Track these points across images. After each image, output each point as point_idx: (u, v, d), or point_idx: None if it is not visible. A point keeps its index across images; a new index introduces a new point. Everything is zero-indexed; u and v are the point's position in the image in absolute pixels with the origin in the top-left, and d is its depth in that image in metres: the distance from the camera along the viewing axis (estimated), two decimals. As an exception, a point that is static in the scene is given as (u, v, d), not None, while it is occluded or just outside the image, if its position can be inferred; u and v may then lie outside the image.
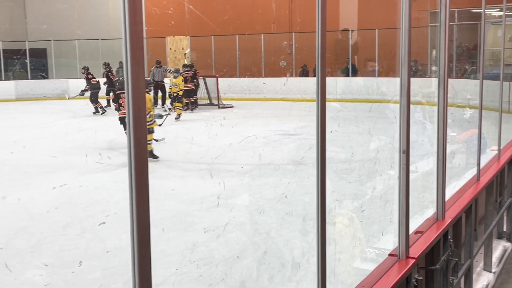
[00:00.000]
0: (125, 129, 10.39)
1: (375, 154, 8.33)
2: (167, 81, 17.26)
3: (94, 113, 16.09)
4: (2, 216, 6.11)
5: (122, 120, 10.33)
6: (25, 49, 22.26)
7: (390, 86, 15.85)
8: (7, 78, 21.81)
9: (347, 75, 19.59)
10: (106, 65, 18.18)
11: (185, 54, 21.41)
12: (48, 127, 13.60)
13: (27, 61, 22.48)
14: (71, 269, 4.60)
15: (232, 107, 17.50)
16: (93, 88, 16.33)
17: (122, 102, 10.41)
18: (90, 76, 16.65)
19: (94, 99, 16.21)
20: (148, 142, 9.14)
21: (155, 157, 9.07)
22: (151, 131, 9.23)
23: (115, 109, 10.78)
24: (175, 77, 15.93)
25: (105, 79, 17.72)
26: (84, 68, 17.30)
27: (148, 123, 9.08)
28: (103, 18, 23.51)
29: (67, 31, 22.65)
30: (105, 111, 15.96)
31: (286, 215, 5.99)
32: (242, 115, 15.79)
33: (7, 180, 7.94)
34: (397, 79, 3.04)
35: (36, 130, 13.00)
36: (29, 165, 8.80)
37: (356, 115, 13.12)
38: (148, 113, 9.02)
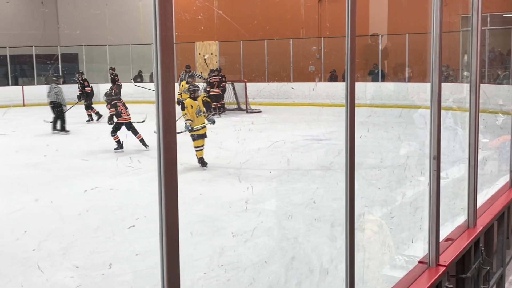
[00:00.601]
0: (135, 134, 10.46)
1: (405, 160, 8.25)
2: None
3: (87, 121, 15.53)
4: (35, 218, 6.22)
5: (127, 125, 10.45)
6: (57, 54, 22.67)
7: (421, 91, 15.70)
8: (39, 83, 22.20)
9: (375, 80, 19.45)
10: (113, 69, 18.11)
11: (204, 59, 21.51)
12: (79, 130, 13.81)
13: (60, 66, 22.88)
14: (101, 271, 4.65)
15: (260, 112, 17.53)
16: (88, 95, 15.74)
17: (121, 109, 10.55)
18: (86, 84, 16.04)
19: (88, 106, 15.65)
20: (200, 148, 8.79)
21: (204, 164, 8.76)
22: (197, 138, 8.81)
23: (109, 122, 10.76)
24: (188, 83, 14.05)
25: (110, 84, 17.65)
26: (78, 73, 16.68)
27: (193, 129, 8.72)
28: (134, 24, 23.84)
29: (98, 36, 23.02)
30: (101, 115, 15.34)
31: (314, 220, 5.96)
32: (271, 120, 15.79)
33: (40, 183, 8.08)
34: (428, 85, 3.01)
35: (68, 134, 13.21)
36: (61, 168, 8.95)
37: (386, 120, 13.01)
38: (186, 119, 8.76)
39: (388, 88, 18.84)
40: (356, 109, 2.39)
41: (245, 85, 18.18)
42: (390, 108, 15.57)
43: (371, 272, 3.67)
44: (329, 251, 5.11)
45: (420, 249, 3.29)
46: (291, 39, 20.90)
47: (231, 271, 4.65)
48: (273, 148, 9.98)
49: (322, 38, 20.92)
